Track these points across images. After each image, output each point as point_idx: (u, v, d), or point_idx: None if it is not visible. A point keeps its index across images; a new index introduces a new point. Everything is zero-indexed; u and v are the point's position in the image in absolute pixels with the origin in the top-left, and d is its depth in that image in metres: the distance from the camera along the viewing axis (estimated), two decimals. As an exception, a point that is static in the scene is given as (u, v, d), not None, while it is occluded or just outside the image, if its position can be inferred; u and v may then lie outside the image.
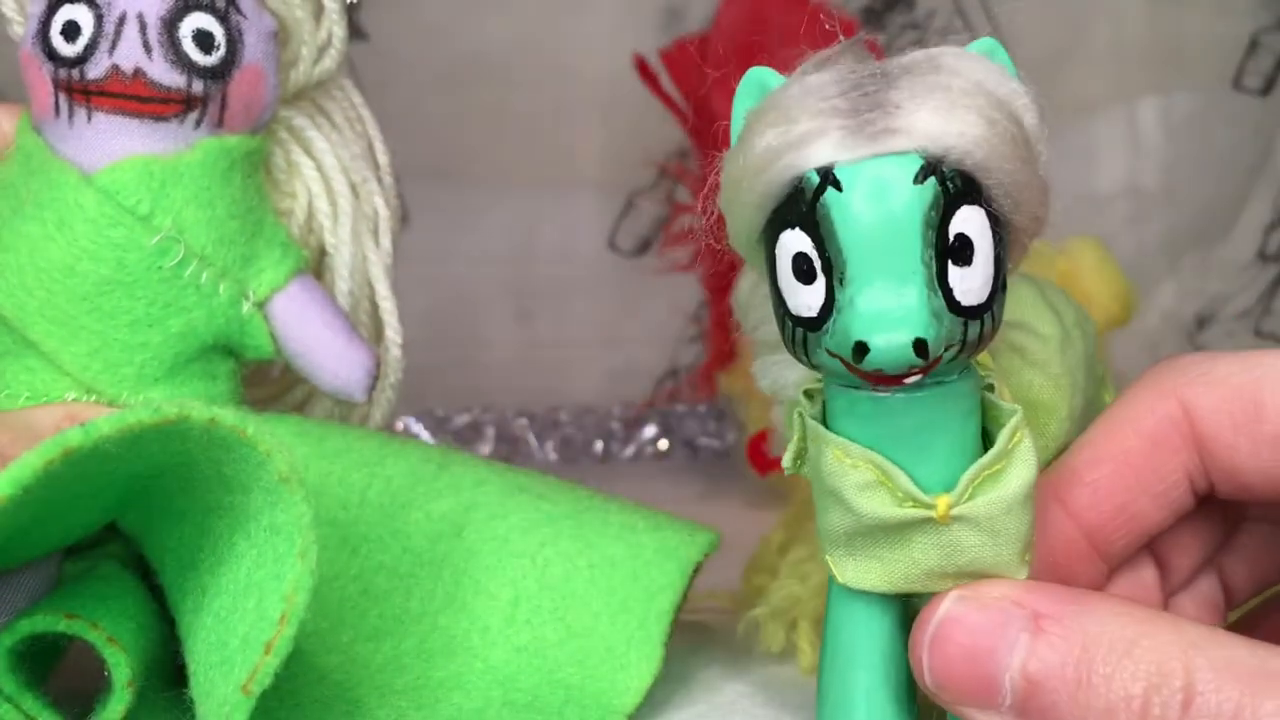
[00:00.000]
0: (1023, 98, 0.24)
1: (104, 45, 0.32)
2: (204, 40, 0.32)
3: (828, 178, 0.23)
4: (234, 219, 0.33)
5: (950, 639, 0.24)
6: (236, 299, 0.33)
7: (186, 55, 0.32)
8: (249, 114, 0.34)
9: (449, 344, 0.58)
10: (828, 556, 0.26)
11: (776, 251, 0.24)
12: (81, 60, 0.32)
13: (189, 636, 0.27)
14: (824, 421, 0.26)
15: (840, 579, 0.26)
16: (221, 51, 0.33)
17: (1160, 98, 0.60)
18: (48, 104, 0.32)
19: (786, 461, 0.27)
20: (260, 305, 0.34)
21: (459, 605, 0.31)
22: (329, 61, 0.36)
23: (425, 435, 0.58)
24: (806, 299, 0.24)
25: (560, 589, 0.31)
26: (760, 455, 0.46)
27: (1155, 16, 0.59)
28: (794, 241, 0.23)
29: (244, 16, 0.33)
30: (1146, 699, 0.22)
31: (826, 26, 0.46)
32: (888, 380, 0.24)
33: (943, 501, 0.24)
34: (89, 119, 0.32)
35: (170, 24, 0.32)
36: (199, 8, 0.32)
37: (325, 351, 0.34)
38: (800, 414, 0.26)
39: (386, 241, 0.38)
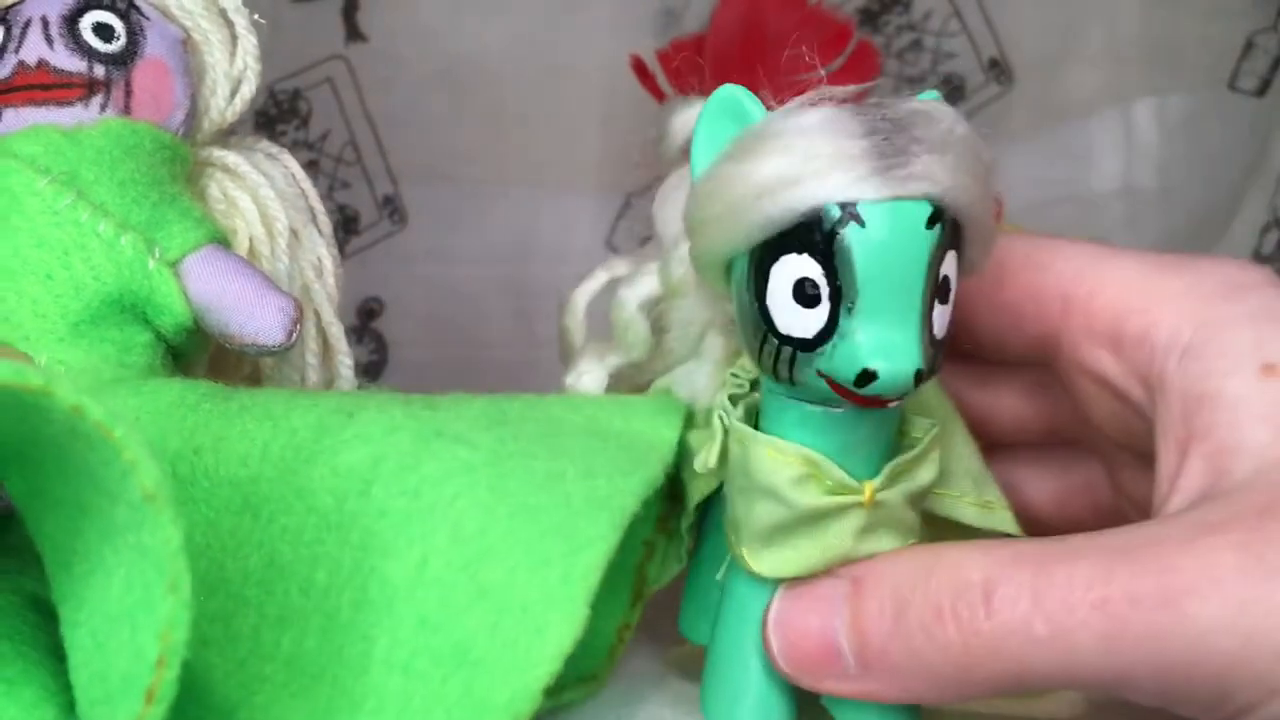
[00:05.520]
0: (988, 152, 0.26)
1: (11, 48, 0.34)
2: (104, 31, 0.34)
3: (850, 212, 0.24)
4: (138, 185, 0.34)
5: (787, 625, 0.28)
6: (142, 254, 0.33)
7: (87, 43, 0.34)
8: (158, 106, 0.35)
9: (449, 344, 0.58)
10: (743, 549, 0.28)
11: (773, 272, 0.26)
12: None
13: (70, 652, 0.25)
14: (756, 426, 0.28)
15: (758, 570, 0.28)
16: (122, 41, 0.34)
17: (1156, 99, 0.60)
18: None
19: (711, 460, 0.29)
20: (172, 265, 0.33)
21: (365, 573, 0.28)
22: (247, 90, 0.37)
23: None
24: (805, 322, 0.25)
25: (474, 542, 0.28)
26: None
27: (1151, 18, 0.59)
28: (800, 266, 0.25)
29: (145, 18, 0.35)
30: (954, 606, 0.25)
31: (822, 28, 0.46)
32: (877, 403, 0.26)
33: (869, 487, 0.27)
34: None
35: (70, 20, 0.34)
36: (99, 6, 0.34)
37: (238, 295, 0.33)
38: (722, 417, 0.28)
39: (330, 281, 0.38)
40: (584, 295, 0.37)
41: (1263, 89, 0.59)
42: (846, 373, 0.25)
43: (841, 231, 0.25)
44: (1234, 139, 0.60)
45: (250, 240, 0.36)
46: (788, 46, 0.49)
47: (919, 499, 0.28)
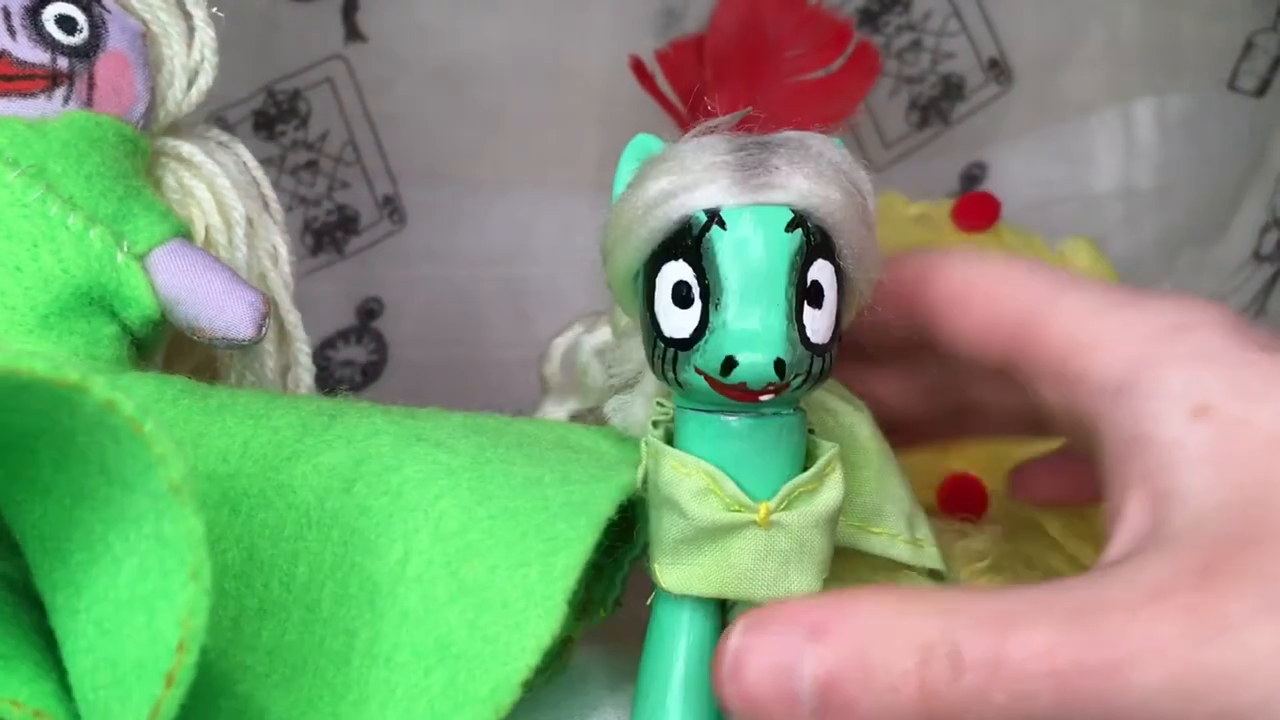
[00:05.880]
0: (867, 183, 0.29)
1: None
2: (66, 23, 0.34)
3: (714, 217, 0.27)
4: (104, 178, 0.34)
5: (746, 666, 0.27)
6: (111, 247, 0.33)
7: (50, 35, 0.34)
8: (120, 99, 0.35)
9: (449, 344, 0.58)
10: (654, 565, 0.29)
11: (657, 281, 0.28)
12: None
13: (66, 639, 0.26)
14: (670, 445, 0.29)
15: (663, 585, 0.29)
16: (85, 33, 0.34)
17: (1156, 99, 0.60)
18: None
19: (638, 479, 0.30)
20: (139, 258, 0.34)
21: (347, 568, 0.29)
22: (204, 82, 0.37)
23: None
24: (682, 322, 0.28)
25: (455, 540, 0.28)
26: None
27: (1150, 18, 0.59)
28: (676, 271, 0.28)
29: (107, 11, 0.35)
30: (920, 669, 0.26)
31: (822, 28, 0.46)
32: (747, 396, 0.27)
33: (764, 507, 0.28)
34: None
35: (33, 11, 0.34)
36: None
37: (208, 289, 0.34)
38: (646, 440, 0.30)
39: (286, 269, 0.38)
40: (560, 346, 0.40)
41: (1262, 89, 0.59)
42: (714, 363, 0.27)
43: (708, 235, 0.27)
44: (1233, 139, 0.60)
45: (207, 229, 0.36)
46: (787, 47, 0.49)
47: (826, 525, 0.29)
